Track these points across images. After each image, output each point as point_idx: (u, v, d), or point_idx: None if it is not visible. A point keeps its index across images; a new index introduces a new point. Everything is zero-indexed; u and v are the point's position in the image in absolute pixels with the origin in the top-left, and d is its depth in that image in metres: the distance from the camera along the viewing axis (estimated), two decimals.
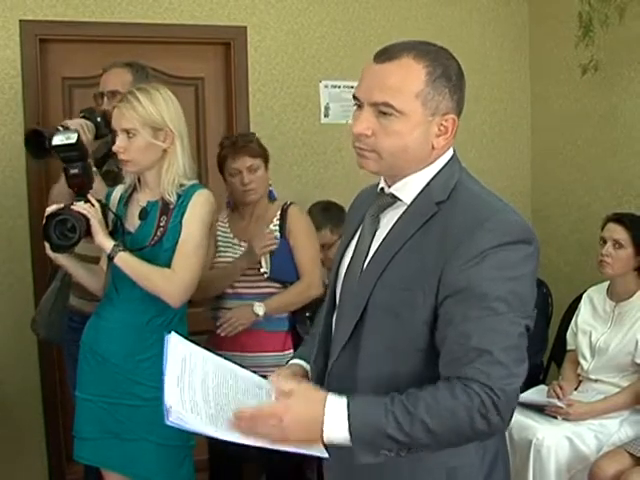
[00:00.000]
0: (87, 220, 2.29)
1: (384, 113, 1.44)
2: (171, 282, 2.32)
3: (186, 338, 1.59)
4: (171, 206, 2.35)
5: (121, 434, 2.35)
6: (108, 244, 2.30)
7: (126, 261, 2.30)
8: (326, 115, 3.97)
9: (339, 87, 3.95)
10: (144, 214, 2.39)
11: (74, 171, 2.44)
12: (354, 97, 1.51)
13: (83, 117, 2.74)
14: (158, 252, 2.35)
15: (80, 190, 2.41)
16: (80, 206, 2.31)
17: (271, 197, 3.03)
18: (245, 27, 3.82)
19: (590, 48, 3.60)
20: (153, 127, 2.31)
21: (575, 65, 3.76)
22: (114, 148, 2.34)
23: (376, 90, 1.45)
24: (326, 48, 3.95)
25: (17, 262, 3.42)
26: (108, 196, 2.53)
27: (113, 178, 2.76)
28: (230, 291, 2.92)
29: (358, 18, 3.99)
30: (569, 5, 3.81)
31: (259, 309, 2.83)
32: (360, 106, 1.49)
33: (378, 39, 3.84)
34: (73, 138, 2.41)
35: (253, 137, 3.03)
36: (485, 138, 4.25)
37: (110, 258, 2.32)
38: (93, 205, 2.34)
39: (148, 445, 2.32)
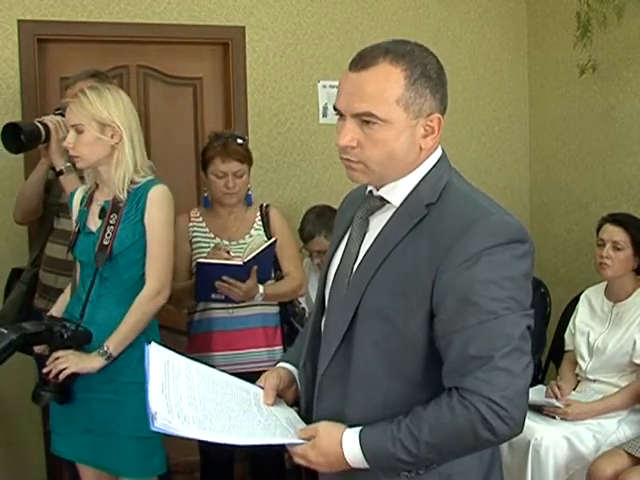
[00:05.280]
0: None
1: (367, 122, 1.41)
2: (149, 301, 2.37)
3: (165, 346, 1.59)
4: (121, 204, 2.38)
5: (92, 429, 2.38)
6: None
7: None
8: (324, 115, 3.97)
9: (337, 87, 3.94)
10: (103, 213, 2.43)
11: None
12: (334, 108, 1.47)
13: (59, 114, 2.77)
14: (120, 255, 2.37)
15: None
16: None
17: (248, 201, 3.04)
18: (243, 27, 3.82)
19: (588, 48, 3.60)
20: (100, 122, 2.35)
21: (573, 65, 3.77)
22: (64, 144, 2.42)
23: (356, 100, 1.42)
24: (324, 48, 3.95)
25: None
26: (71, 198, 2.57)
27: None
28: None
29: (356, 18, 3.99)
30: (567, 5, 3.82)
31: (260, 293, 2.87)
32: (342, 117, 1.46)
33: (376, 39, 3.79)
34: None
35: (244, 141, 3.02)
36: (483, 138, 4.24)
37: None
38: None
39: (117, 439, 2.35)
